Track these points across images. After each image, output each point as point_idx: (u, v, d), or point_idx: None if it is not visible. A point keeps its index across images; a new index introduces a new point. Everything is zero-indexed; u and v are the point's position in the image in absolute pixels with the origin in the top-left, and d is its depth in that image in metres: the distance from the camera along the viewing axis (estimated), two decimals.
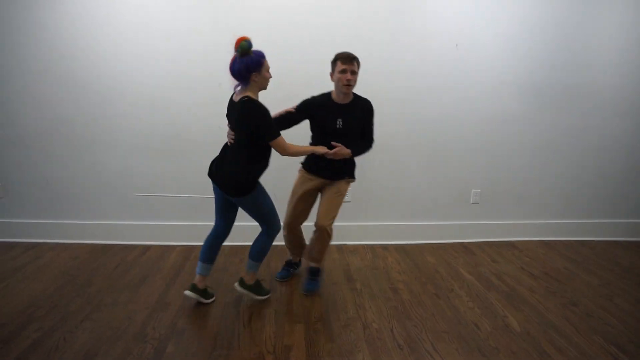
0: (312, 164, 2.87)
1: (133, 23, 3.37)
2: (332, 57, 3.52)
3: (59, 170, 3.61)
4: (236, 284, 2.77)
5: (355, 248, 3.76)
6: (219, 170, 2.55)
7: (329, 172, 2.82)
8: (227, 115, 2.54)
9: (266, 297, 2.83)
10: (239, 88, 2.47)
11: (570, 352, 2.32)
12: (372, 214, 3.88)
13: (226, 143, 2.55)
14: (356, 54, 3.59)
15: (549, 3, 3.61)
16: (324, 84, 3.56)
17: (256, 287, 2.79)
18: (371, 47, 3.55)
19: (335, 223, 3.80)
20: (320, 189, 2.92)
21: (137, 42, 3.40)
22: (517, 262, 3.53)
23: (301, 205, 2.90)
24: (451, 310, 2.74)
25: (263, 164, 2.52)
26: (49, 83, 3.45)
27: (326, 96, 2.77)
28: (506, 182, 3.94)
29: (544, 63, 3.71)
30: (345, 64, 2.61)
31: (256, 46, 3.46)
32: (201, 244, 3.70)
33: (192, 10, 3.38)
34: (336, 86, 2.70)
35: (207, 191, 3.67)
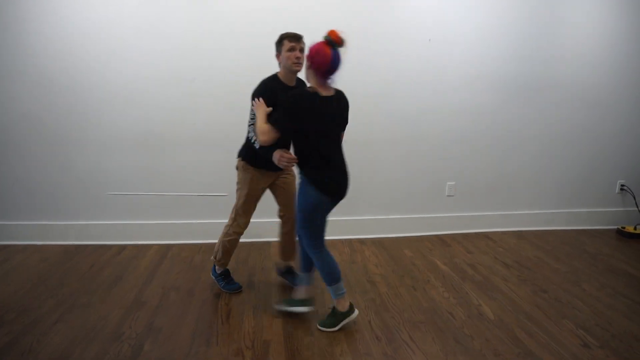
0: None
1: (104, 17, 3.30)
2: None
3: (28, 168, 3.51)
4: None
5: (333, 243, 3.78)
6: (345, 180, 2.40)
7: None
8: (319, 114, 2.24)
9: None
10: (329, 82, 2.29)
11: (541, 337, 2.40)
12: (349, 208, 3.89)
13: (332, 150, 2.35)
14: None
15: None
16: None
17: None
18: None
19: None
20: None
21: (108, 37, 3.33)
22: (491, 252, 3.62)
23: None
24: (427, 301, 2.79)
25: None
26: (17, 78, 3.35)
27: (274, 78, 2.53)
28: (479, 174, 4.03)
29: (514, 56, 3.81)
30: (293, 42, 2.44)
31: (226, 41, 3.46)
32: (178, 242, 3.68)
33: (165, 4, 3.33)
34: (285, 65, 2.47)
35: (182, 189, 3.64)
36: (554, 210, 4.23)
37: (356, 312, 2.49)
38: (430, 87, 3.75)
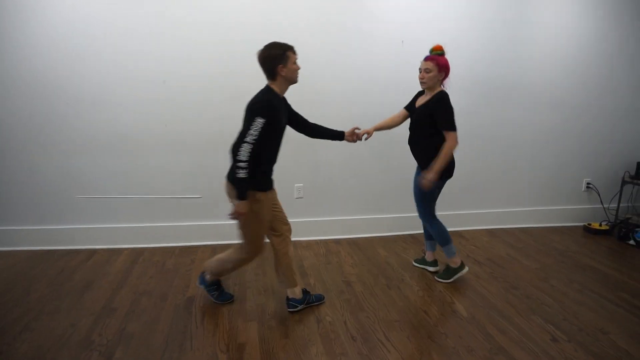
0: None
1: (71, 18, 3.21)
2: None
3: None
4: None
5: (309, 244, 3.79)
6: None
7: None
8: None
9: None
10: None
11: (512, 333, 2.45)
12: (324, 209, 3.92)
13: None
14: (302, 55, 3.60)
15: (490, 2, 3.79)
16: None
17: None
18: (317, 47, 3.58)
19: (288, 220, 3.82)
20: None
21: (75, 38, 3.24)
22: (464, 250, 3.69)
23: None
24: (402, 300, 2.82)
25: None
26: None
27: (272, 92, 2.43)
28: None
29: (485, 59, 3.89)
30: (296, 54, 2.45)
31: (195, 42, 3.41)
32: (150, 245, 3.62)
33: (134, 5, 3.26)
34: (290, 78, 2.43)
35: (153, 191, 3.58)
36: (524, 209, 4.34)
37: (467, 268, 3.10)
38: (402, 87, 3.78)
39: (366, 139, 2.94)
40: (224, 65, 3.45)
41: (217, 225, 3.70)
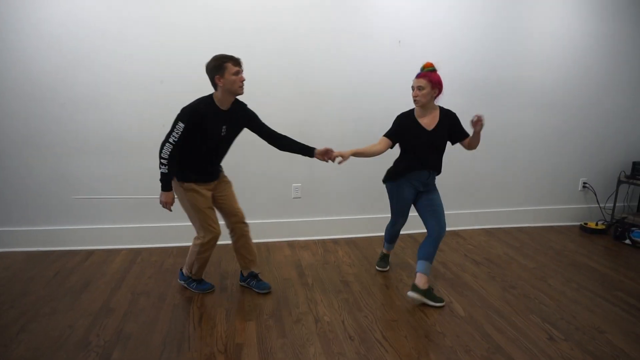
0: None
1: (64, 20, 3.20)
2: (272, 60, 3.53)
3: None
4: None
5: (306, 244, 3.79)
6: None
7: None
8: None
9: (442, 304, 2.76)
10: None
11: (510, 332, 2.46)
12: (322, 209, 3.92)
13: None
14: (299, 54, 3.63)
15: (487, 3, 3.80)
16: (261, 89, 3.55)
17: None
18: (313, 47, 3.58)
19: (286, 220, 3.83)
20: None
21: (69, 40, 3.23)
22: (461, 250, 3.69)
23: None
24: (400, 300, 2.82)
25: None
26: None
27: (208, 102, 2.54)
28: (449, 174, 4.10)
29: (481, 60, 3.90)
30: (237, 66, 2.47)
31: (192, 44, 3.41)
32: (148, 245, 3.61)
33: (128, 3, 3.25)
34: (230, 89, 2.48)
35: (150, 191, 3.57)
36: (521, 208, 4.36)
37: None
38: (399, 88, 3.79)
39: (340, 162, 2.71)
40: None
41: None
